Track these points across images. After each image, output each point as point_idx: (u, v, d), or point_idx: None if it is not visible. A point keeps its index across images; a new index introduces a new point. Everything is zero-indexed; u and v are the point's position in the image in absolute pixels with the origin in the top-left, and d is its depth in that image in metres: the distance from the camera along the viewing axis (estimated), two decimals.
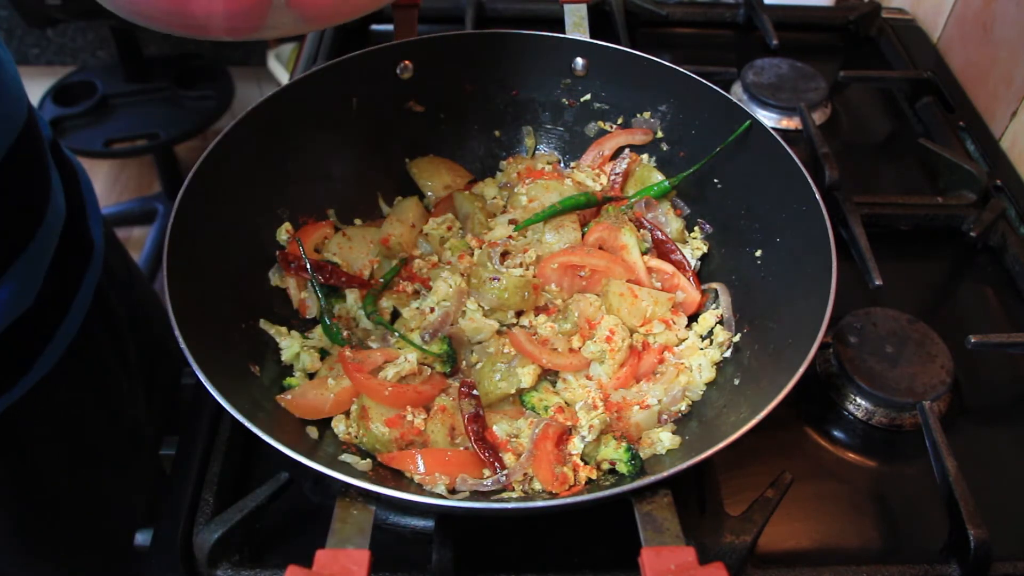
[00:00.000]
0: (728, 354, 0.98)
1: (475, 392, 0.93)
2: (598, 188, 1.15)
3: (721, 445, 0.73)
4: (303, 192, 1.08)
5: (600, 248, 1.05)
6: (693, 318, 1.03)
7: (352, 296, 1.03)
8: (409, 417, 0.89)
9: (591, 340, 0.96)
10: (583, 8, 1.24)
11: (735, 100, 1.06)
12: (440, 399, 0.92)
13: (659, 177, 1.13)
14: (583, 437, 0.88)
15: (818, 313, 0.83)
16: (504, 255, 1.04)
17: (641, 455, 0.88)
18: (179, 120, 3.00)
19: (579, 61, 1.16)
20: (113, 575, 1.24)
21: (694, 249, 1.10)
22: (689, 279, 1.05)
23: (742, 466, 0.94)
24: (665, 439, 0.90)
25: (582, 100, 1.19)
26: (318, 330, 1.01)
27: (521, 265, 1.02)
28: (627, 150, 1.18)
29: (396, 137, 1.17)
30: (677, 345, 1.00)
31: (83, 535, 1.19)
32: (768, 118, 1.41)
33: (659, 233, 1.08)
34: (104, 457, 1.20)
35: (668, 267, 1.05)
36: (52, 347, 1.04)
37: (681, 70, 1.10)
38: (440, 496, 0.84)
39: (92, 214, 1.17)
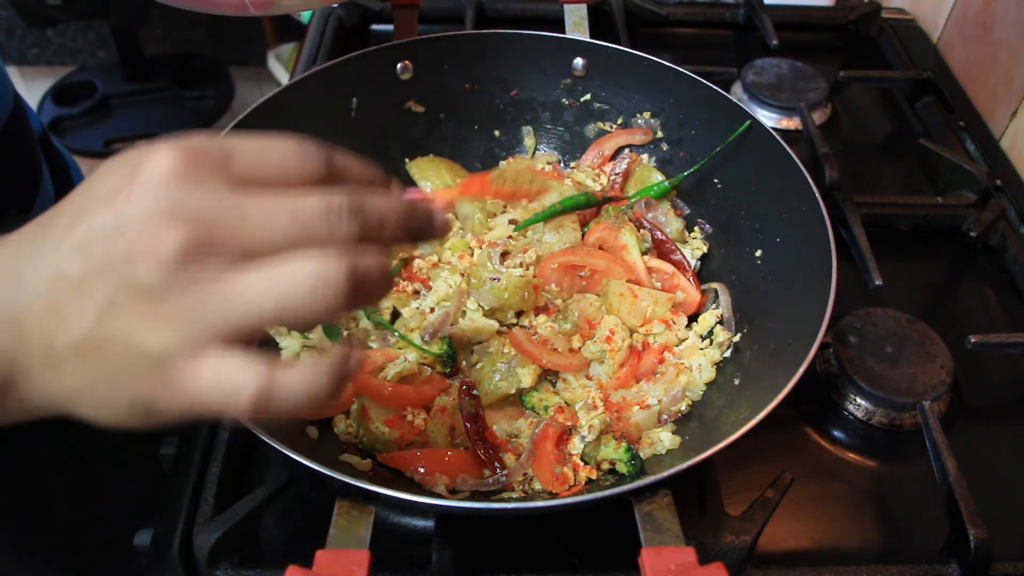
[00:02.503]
0: (728, 354, 0.98)
1: (475, 392, 0.93)
2: (598, 188, 1.15)
3: (721, 445, 0.73)
4: None
5: (600, 248, 1.05)
6: (693, 318, 1.03)
7: None
8: (409, 417, 0.89)
9: (591, 340, 0.96)
10: (583, 8, 1.24)
11: (735, 100, 1.06)
12: (440, 399, 0.92)
13: (659, 177, 1.13)
14: (583, 437, 0.88)
15: (818, 313, 0.83)
16: (504, 255, 1.04)
17: (641, 455, 0.88)
18: (179, 120, 3.00)
19: (579, 61, 1.16)
20: (112, 575, 1.23)
21: (694, 249, 1.10)
22: (689, 279, 1.05)
23: (742, 466, 0.94)
24: (665, 439, 0.90)
25: (582, 100, 1.19)
26: (318, 330, 1.00)
27: (521, 265, 1.02)
28: (627, 150, 1.18)
29: (396, 137, 1.17)
30: (677, 345, 1.00)
31: (81, 535, 1.19)
32: (768, 118, 1.41)
33: (659, 233, 1.08)
34: (102, 456, 1.20)
35: (668, 267, 1.05)
36: None
37: (681, 70, 1.10)
38: (440, 496, 0.84)
39: None
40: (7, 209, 0.97)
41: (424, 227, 0.58)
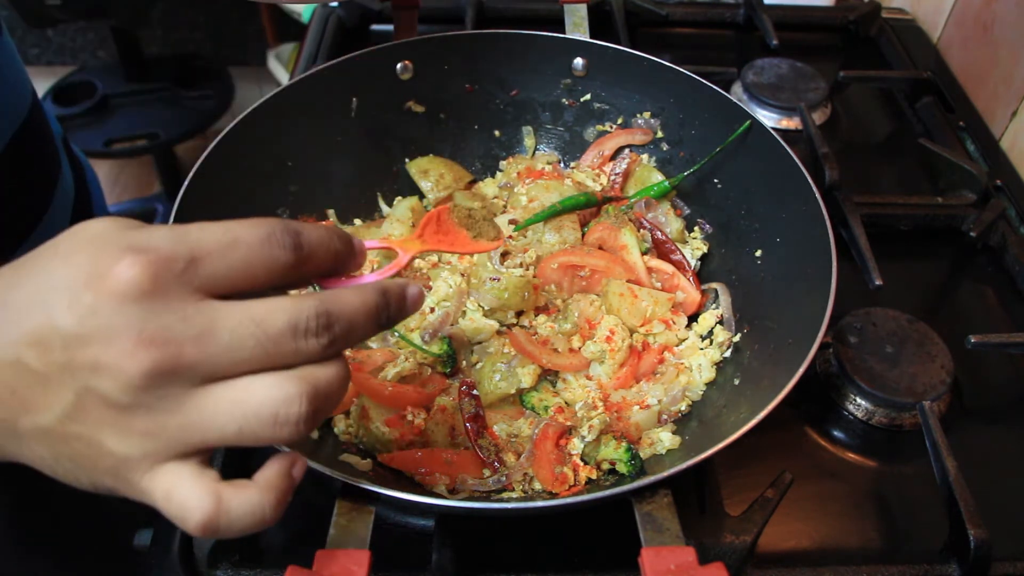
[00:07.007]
0: (728, 354, 0.98)
1: (475, 392, 0.93)
2: (598, 188, 1.15)
3: (721, 445, 0.73)
4: (303, 192, 1.08)
5: (600, 248, 1.05)
6: (693, 318, 1.03)
7: None
8: (409, 417, 0.89)
9: (591, 340, 0.96)
10: (583, 8, 1.24)
11: (735, 100, 1.06)
12: (440, 399, 0.92)
13: (659, 177, 1.13)
14: (583, 437, 0.88)
15: (818, 313, 0.83)
16: (504, 255, 1.04)
17: (641, 455, 0.88)
18: (179, 120, 3.00)
19: (579, 61, 1.16)
20: (113, 575, 1.23)
21: (694, 249, 1.10)
22: (689, 279, 1.05)
23: (742, 466, 0.94)
24: (665, 439, 0.90)
25: (582, 100, 1.19)
26: None
27: (521, 265, 1.02)
28: (627, 150, 1.18)
29: (396, 137, 1.18)
30: (677, 345, 1.00)
31: (82, 534, 1.19)
32: (768, 118, 1.41)
33: (659, 233, 1.08)
34: None
35: (668, 267, 1.05)
36: None
37: (681, 70, 1.10)
38: (440, 496, 0.84)
39: (99, 213, 1.17)
40: (26, 204, 0.98)
41: (396, 314, 0.58)
